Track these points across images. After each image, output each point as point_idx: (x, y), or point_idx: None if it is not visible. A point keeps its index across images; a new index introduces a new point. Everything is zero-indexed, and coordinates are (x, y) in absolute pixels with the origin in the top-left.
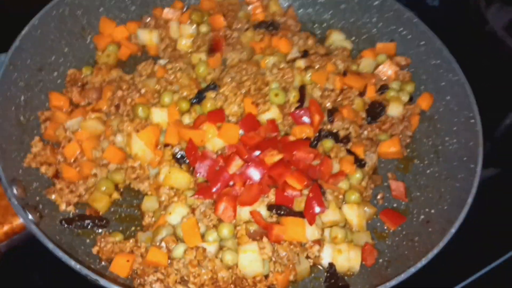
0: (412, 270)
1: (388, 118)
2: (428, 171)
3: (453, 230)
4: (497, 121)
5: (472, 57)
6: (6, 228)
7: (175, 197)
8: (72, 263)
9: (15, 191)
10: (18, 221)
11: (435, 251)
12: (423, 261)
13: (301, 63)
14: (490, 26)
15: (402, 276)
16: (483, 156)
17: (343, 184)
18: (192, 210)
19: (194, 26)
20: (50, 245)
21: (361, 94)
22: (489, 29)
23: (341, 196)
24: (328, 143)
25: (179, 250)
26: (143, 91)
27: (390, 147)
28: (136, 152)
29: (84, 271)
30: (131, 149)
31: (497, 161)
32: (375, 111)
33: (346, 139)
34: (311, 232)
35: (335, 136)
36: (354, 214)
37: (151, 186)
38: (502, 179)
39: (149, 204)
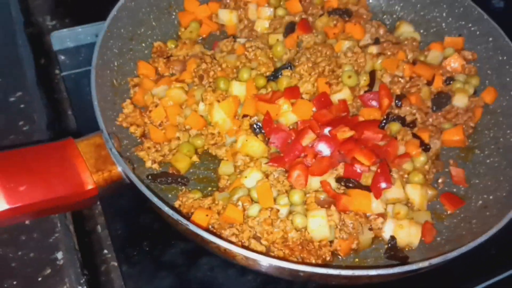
0: (472, 244)
1: (453, 108)
2: (488, 160)
3: (506, 219)
4: None
5: None
6: (105, 174)
7: (251, 163)
8: (166, 208)
9: (114, 142)
10: (116, 169)
11: (494, 230)
12: (483, 237)
13: (373, 49)
14: None
15: (463, 249)
16: None
17: (408, 166)
18: (266, 176)
19: (272, 9)
20: (147, 192)
21: (429, 83)
22: None
23: (406, 176)
24: (395, 126)
25: (254, 209)
26: (224, 66)
27: (454, 135)
28: (217, 120)
29: (176, 216)
30: (212, 117)
31: None
32: (441, 100)
33: (413, 123)
34: (376, 206)
35: (402, 120)
36: (417, 194)
37: (228, 152)
38: None
39: (225, 168)
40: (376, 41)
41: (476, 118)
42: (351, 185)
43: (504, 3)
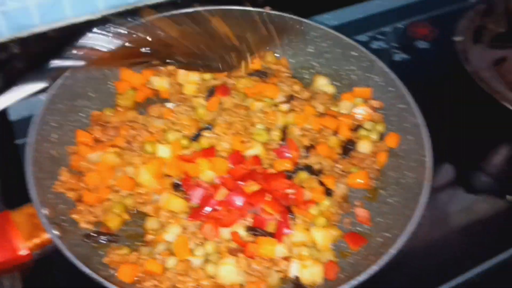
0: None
1: (359, 154)
2: (390, 200)
3: (393, 251)
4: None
5: (455, 96)
6: (37, 240)
7: (172, 218)
8: (87, 270)
9: (45, 212)
10: (47, 235)
11: (375, 267)
12: (362, 276)
13: (283, 107)
14: (473, 66)
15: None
16: None
17: (313, 210)
18: (184, 230)
19: (198, 74)
20: (70, 255)
21: (335, 133)
22: (472, 69)
23: (310, 220)
24: (303, 175)
25: (171, 262)
26: (151, 130)
27: (358, 179)
28: (143, 181)
29: (96, 277)
30: (139, 179)
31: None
32: (347, 147)
33: (319, 171)
34: (280, 250)
35: (310, 169)
36: (320, 236)
37: (154, 209)
38: None
39: (150, 223)
40: (290, 98)
41: (381, 162)
42: (257, 233)
43: (402, 58)
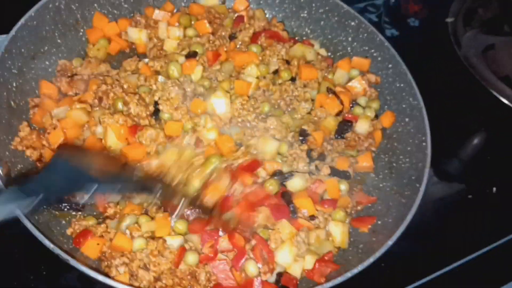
0: (348, 274)
1: (355, 134)
2: (381, 185)
3: (390, 243)
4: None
5: (443, 79)
6: None
7: None
8: (47, 242)
9: (0, 171)
10: None
11: (371, 259)
12: (358, 268)
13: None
14: (464, 51)
15: (337, 280)
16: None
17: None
18: None
19: (181, 29)
20: (28, 225)
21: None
22: (463, 53)
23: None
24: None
25: (139, 243)
26: (125, 86)
27: (364, 162)
28: (110, 144)
29: (57, 250)
30: (106, 141)
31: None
32: (343, 128)
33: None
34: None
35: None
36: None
37: None
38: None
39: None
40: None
41: (377, 142)
42: None
43: (419, 22)
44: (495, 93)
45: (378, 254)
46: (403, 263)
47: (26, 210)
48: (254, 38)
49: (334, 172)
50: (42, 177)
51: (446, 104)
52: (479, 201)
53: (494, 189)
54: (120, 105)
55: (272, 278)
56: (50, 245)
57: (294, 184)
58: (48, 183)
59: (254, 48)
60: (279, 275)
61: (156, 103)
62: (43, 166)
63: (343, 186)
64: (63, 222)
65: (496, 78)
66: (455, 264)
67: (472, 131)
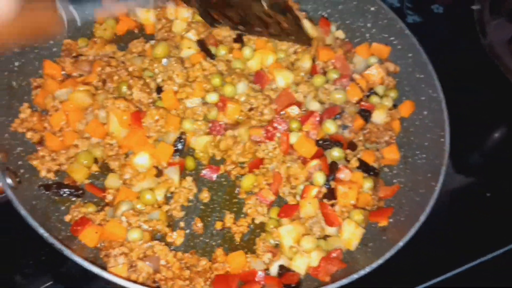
0: (355, 276)
1: (373, 125)
2: (394, 180)
3: (401, 244)
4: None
5: (466, 70)
6: None
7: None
8: (41, 230)
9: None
10: None
11: (380, 261)
12: (365, 270)
13: None
14: (489, 39)
15: (344, 281)
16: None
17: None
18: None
19: (190, 11)
20: (23, 211)
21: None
22: (488, 42)
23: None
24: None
25: (134, 234)
26: (130, 69)
27: (390, 154)
28: (112, 130)
29: (50, 239)
30: (109, 127)
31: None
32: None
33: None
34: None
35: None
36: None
37: (120, 164)
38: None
39: (112, 181)
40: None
41: (396, 133)
42: None
43: (443, 8)
44: None
45: (387, 255)
46: (413, 263)
47: None
48: None
49: (363, 166)
50: None
51: (467, 97)
52: (497, 200)
53: None
54: (124, 89)
55: (274, 272)
56: (45, 234)
57: None
58: None
59: None
60: (282, 268)
61: (158, 90)
62: None
63: (368, 184)
64: (62, 208)
65: None
66: (467, 265)
67: (494, 125)
